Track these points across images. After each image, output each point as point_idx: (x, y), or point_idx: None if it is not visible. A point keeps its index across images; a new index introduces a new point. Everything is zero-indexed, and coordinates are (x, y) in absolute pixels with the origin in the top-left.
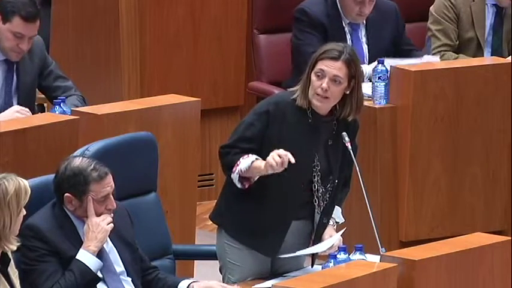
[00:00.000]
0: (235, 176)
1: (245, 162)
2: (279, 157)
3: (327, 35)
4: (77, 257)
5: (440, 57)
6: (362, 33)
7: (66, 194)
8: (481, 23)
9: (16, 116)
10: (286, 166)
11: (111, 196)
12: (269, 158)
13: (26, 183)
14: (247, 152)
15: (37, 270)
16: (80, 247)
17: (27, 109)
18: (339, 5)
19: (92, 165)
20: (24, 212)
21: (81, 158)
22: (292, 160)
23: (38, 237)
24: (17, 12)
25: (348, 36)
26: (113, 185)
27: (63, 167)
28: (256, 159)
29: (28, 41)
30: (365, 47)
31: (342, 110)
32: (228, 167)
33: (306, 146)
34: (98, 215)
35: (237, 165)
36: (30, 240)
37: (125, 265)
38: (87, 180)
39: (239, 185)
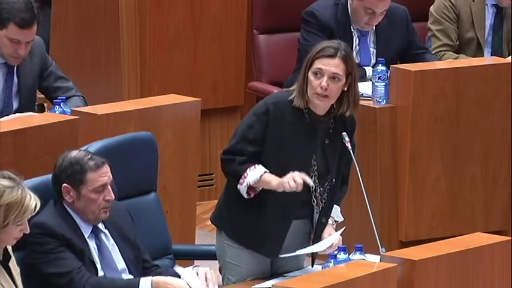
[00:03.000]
0: (242, 188)
1: (253, 175)
2: (295, 182)
3: (334, 39)
4: (141, 280)
5: (441, 57)
6: (370, 39)
7: (64, 185)
8: (481, 23)
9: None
10: (300, 190)
11: (109, 187)
12: (285, 181)
13: (32, 203)
14: (251, 156)
15: (52, 260)
16: (84, 242)
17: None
18: (349, 10)
19: (89, 156)
20: (23, 228)
21: (77, 150)
22: (311, 183)
23: (47, 233)
24: (11, 19)
25: (356, 42)
26: (111, 176)
27: (61, 160)
28: (265, 172)
29: (26, 46)
30: (372, 52)
31: (340, 107)
32: (234, 177)
33: (303, 146)
34: (97, 205)
35: (245, 177)
36: (39, 237)
37: (126, 263)
38: (83, 168)
39: (245, 196)
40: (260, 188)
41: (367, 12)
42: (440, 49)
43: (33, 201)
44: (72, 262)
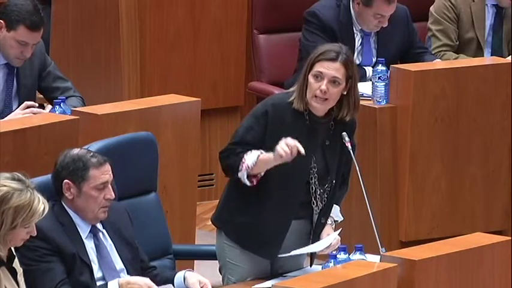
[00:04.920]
0: (242, 174)
1: (251, 158)
2: (287, 146)
3: (335, 40)
4: (108, 283)
5: (441, 57)
6: (372, 40)
7: (65, 181)
8: (481, 23)
9: (31, 110)
10: (295, 155)
11: (110, 186)
12: (278, 148)
13: (40, 206)
14: (247, 151)
15: (40, 270)
16: (79, 244)
17: (36, 104)
18: (352, 12)
19: (91, 153)
20: (31, 231)
21: (79, 148)
22: (302, 150)
23: (39, 237)
24: (21, 21)
25: (358, 42)
26: (112, 175)
27: (62, 157)
28: (261, 152)
29: (31, 48)
30: (374, 52)
31: (340, 110)
32: (232, 168)
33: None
34: (97, 203)
35: (243, 162)
36: (30, 240)
37: (124, 263)
38: (86, 165)
39: (247, 183)
40: (261, 174)
41: (377, 17)
42: (440, 49)
43: (41, 205)
44: (55, 276)
